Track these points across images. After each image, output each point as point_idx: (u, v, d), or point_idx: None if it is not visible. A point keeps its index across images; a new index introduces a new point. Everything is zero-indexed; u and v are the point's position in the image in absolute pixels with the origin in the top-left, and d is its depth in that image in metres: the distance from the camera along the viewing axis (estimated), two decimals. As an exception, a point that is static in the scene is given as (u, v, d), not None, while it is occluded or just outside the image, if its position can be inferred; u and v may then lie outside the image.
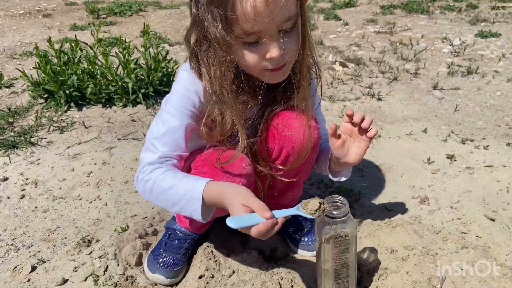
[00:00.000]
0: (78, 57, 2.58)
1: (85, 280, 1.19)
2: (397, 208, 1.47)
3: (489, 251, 1.23)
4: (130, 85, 2.38)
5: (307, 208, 0.89)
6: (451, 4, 5.15)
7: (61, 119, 2.25)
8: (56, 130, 2.14)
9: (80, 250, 1.30)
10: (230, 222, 0.83)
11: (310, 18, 4.70)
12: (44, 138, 2.06)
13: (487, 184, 1.57)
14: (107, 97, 2.43)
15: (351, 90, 2.63)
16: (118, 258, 1.22)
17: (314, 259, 1.21)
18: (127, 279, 1.17)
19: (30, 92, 2.53)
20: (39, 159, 1.87)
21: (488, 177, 1.62)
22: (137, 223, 1.39)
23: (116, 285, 1.15)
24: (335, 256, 1.01)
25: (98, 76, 2.46)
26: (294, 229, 1.34)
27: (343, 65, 3.06)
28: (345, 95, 2.54)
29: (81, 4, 5.84)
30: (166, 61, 2.60)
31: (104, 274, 1.19)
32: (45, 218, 1.50)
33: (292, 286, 1.17)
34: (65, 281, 1.20)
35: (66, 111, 2.35)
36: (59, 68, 2.41)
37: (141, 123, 2.22)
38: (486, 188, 1.55)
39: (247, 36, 0.89)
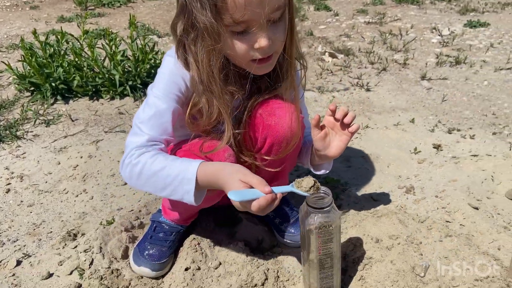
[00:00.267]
0: (64, 49, 2.55)
1: (71, 274, 1.19)
2: (383, 198, 1.48)
3: (472, 239, 1.25)
4: (117, 77, 2.36)
5: (302, 186, 0.91)
6: (441, -6, 5.15)
7: (47, 112, 2.23)
8: (42, 123, 2.11)
9: (66, 244, 1.29)
10: (232, 195, 0.84)
11: (300, 8, 4.68)
12: (30, 132, 2.04)
13: (472, 173, 1.59)
14: (94, 89, 2.40)
15: (340, 81, 2.63)
16: (104, 252, 1.22)
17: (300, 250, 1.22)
18: (112, 272, 1.17)
19: (16, 85, 2.50)
20: (24, 152, 1.86)
21: (473, 166, 1.63)
22: (123, 216, 1.38)
23: (102, 278, 1.15)
24: (319, 246, 1.02)
25: (85, 69, 2.43)
26: (281, 220, 1.34)
27: (332, 56, 3.05)
28: (334, 86, 2.54)
29: (69, -5, 5.76)
30: (154, 53, 2.58)
31: (90, 267, 1.18)
32: (31, 212, 1.48)
33: (278, 276, 1.18)
34: (50, 275, 1.20)
35: (52, 104, 2.32)
36: (44, 61, 2.38)
37: (129, 115, 2.21)
38: (471, 177, 1.57)
39: (236, 25, 0.89)
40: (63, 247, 1.28)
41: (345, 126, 1.10)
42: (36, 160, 1.79)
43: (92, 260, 1.20)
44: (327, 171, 1.25)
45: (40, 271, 1.21)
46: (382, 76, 2.68)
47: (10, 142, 1.93)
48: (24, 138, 1.97)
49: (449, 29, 3.59)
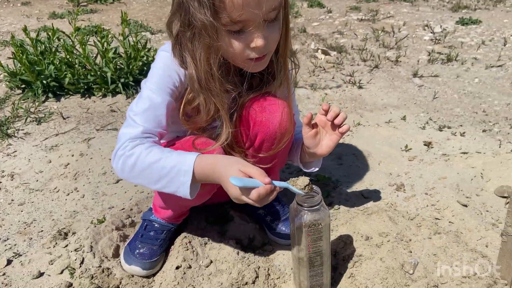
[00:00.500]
0: (56, 46, 2.53)
1: (61, 273, 1.19)
2: (374, 196, 1.49)
3: (461, 236, 1.26)
4: (109, 74, 2.35)
5: (297, 184, 0.93)
6: (434, -9, 5.17)
7: (39, 110, 2.21)
8: (33, 121, 2.10)
9: (56, 243, 1.29)
10: (234, 180, 0.84)
11: (293, 5, 4.68)
12: (21, 130, 2.03)
13: (461, 171, 1.60)
14: (85, 87, 2.39)
15: (333, 78, 2.64)
16: (94, 251, 1.22)
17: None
18: (103, 271, 1.17)
19: (7, 83, 2.48)
20: (15, 151, 1.85)
21: (463, 164, 1.64)
22: (114, 215, 1.38)
23: (92, 277, 1.15)
24: (308, 244, 1.03)
25: (76, 66, 2.42)
26: (272, 218, 1.35)
27: (325, 53, 3.06)
28: (326, 83, 2.54)
29: (61, -9, 5.72)
30: (146, 50, 2.57)
31: (80, 266, 1.18)
32: (22, 211, 1.48)
33: (269, 274, 1.18)
34: (41, 274, 1.19)
35: (43, 102, 2.31)
36: (35, 58, 2.36)
37: (121, 113, 2.20)
38: (460, 174, 1.58)
39: (233, 25, 0.90)
40: (54, 246, 1.28)
41: (335, 126, 1.11)
42: (27, 159, 1.78)
43: (83, 259, 1.20)
44: (317, 169, 1.25)
45: (31, 270, 1.20)
46: (374, 74, 2.69)
47: (0, 141, 1.92)
48: (15, 136, 1.96)
49: (441, 26, 3.61)
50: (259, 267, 1.19)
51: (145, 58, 2.53)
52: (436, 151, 1.77)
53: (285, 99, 1.14)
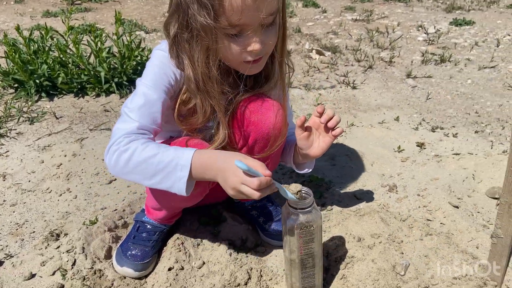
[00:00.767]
0: (49, 45, 2.51)
1: (53, 274, 1.18)
2: (366, 197, 1.50)
3: (452, 237, 1.27)
4: (102, 74, 2.34)
5: (290, 188, 0.96)
6: (428, -8, 5.20)
7: (31, 110, 2.20)
8: (26, 121, 2.09)
9: (48, 244, 1.28)
10: (239, 163, 0.85)
11: (288, 5, 4.68)
12: (14, 130, 2.01)
13: (453, 172, 1.61)
14: (79, 86, 2.38)
15: (327, 78, 2.64)
16: (86, 252, 1.22)
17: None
18: (95, 273, 1.17)
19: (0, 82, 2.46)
20: (7, 151, 1.83)
21: (455, 165, 1.65)
22: (107, 216, 1.38)
23: (84, 279, 1.15)
24: (300, 246, 1.03)
25: (70, 65, 2.40)
26: (265, 219, 1.35)
27: (319, 53, 3.06)
28: (320, 84, 2.55)
29: (55, -11, 5.68)
30: (140, 50, 2.56)
31: (72, 268, 1.18)
32: (13, 211, 1.47)
33: (261, 276, 1.19)
34: (32, 276, 1.19)
35: (36, 101, 2.30)
36: (28, 57, 2.35)
37: (114, 113, 2.19)
38: (452, 175, 1.59)
39: (231, 28, 0.91)
40: (46, 247, 1.28)
41: (328, 129, 1.12)
42: (19, 159, 1.77)
43: (75, 260, 1.20)
44: (310, 170, 1.26)
45: (22, 272, 1.20)
46: (368, 74, 2.70)
47: (-8, 140, 1.91)
48: (7, 136, 1.95)
49: (435, 27, 3.63)
50: (252, 268, 1.19)
51: (139, 57, 2.53)
52: (428, 152, 1.78)
53: (279, 100, 1.14)
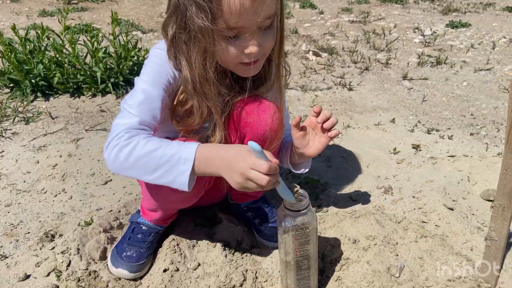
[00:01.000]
0: (45, 45, 2.51)
1: (48, 275, 1.18)
2: (362, 198, 1.50)
3: (446, 240, 1.27)
4: (98, 74, 2.33)
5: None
6: (425, -6, 5.22)
7: (27, 110, 2.19)
8: (21, 121, 2.08)
9: (43, 245, 1.28)
10: (253, 144, 0.84)
11: (286, 6, 4.69)
12: (9, 130, 2.01)
13: (449, 174, 1.62)
14: (75, 86, 2.38)
15: (324, 79, 2.65)
16: (81, 253, 1.21)
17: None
18: (90, 274, 1.16)
19: (-5, 82, 2.45)
20: (3, 151, 1.83)
21: (450, 167, 1.66)
22: (102, 217, 1.37)
23: (79, 280, 1.14)
24: (296, 248, 1.03)
25: (66, 65, 2.40)
26: (260, 221, 1.35)
27: (316, 54, 3.07)
28: (317, 85, 2.55)
29: (51, -11, 5.66)
30: (137, 50, 2.56)
31: (67, 269, 1.18)
32: (8, 212, 1.47)
33: (257, 277, 1.19)
34: (27, 277, 1.18)
35: (32, 101, 2.29)
36: (24, 57, 2.34)
37: (110, 113, 2.19)
38: (447, 177, 1.60)
39: (229, 31, 0.91)
40: (41, 248, 1.27)
41: (325, 129, 1.12)
42: (15, 159, 1.76)
43: (70, 261, 1.20)
44: (306, 170, 1.25)
45: (17, 273, 1.19)
46: (365, 76, 2.71)
47: (-13, 140, 1.90)
48: (3, 136, 1.94)
49: (431, 29, 3.64)
50: (247, 270, 1.19)
51: (135, 58, 2.52)
52: (424, 154, 1.79)
53: (275, 102, 1.14)
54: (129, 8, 4.69)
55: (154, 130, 1.01)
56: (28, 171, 1.68)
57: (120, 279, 1.17)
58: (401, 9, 4.49)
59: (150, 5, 4.86)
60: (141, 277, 1.18)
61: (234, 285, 1.14)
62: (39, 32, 2.53)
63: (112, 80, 2.39)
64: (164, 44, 1.04)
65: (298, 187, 0.98)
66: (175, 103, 1.06)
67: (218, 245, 1.25)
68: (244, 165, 0.85)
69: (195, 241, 1.28)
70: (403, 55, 3.07)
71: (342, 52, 3.15)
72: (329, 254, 1.24)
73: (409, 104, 2.31)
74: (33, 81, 2.30)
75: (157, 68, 1.03)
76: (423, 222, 1.36)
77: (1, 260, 1.25)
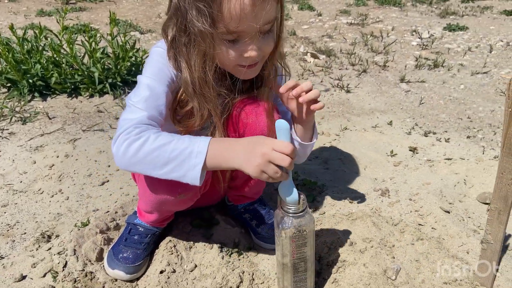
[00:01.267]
0: (43, 45, 2.50)
1: (44, 276, 1.17)
2: (359, 201, 1.51)
3: (442, 242, 1.28)
4: (96, 74, 2.33)
5: None
6: (423, -4, 5.24)
7: (24, 110, 2.19)
8: (18, 120, 2.08)
9: (39, 246, 1.28)
10: (282, 122, 0.86)
11: (284, 7, 4.70)
12: (6, 129, 2.00)
13: (445, 177, 1.63)
14: (72, 86, 2.37)
15: (321, 82, 2.66)
16: (78, 254, 1.21)
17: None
18: (86, 275, 1.16)
19: (-8, 81, 2.44)
20: (-1, 151, 1.82)
21: (447, 170, 1.67)
22: (99, 218, 1.37)
23: (75, 281, 1.14)
24: (293, 250, 1.03)
25: (63, 65, 2.39)
26: (257, 222, 1.35)
27: (314, 56, 3.08)
28: (315, 87, 2.55)
29: (49, -12, 5.65)
30: (135, 50, 2.56)
31: (63, 270, 1.17)
32: (5, 212, 1.46)
33: (253, 279, 1.19)
34: (23, 277, 1.18)
35: (29, 101, 2.29)
36: (22, 57, 2.33)
37: (108, 114, 2.18)
38: (444, 180, 1.60)
39: (229, 34, 0.92)
40: (37, 249, 1.27)
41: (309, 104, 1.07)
42: (11, 159, 1.76)
43: (66, 262, 1.19)
44: (315, 140, 1.20)
45: (13, 273, 1.19)
46: (362, 78, 2.71)
47: (-16, 140, 1.90)
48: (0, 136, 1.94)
49: (428, 32, 3.65)
50: (244, 271, 1.19)
51: (133, 58, 2.52)
52: (421, 157, 1.80)
53: (274, 103, 1.14)
54: (127, 8, 4.69)
55: (161, 126, 1.00)
56: (25, 171, 1.68)
57: (116, 280, 1.17)
58: (399, 11, 4.50)
59: (149, 5, 4.86)
60: (137, 279, 1.18)
61: (231, 287, 1.14)
62: (37, 32, 2.53)
63: (109, 80, 2.39)
64: (164, 43, 1.04)
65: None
66: (176, 103, 1.06)
67: (215, 246, 1.25)
68: (266, 147, 0.85)
69: (192, 242, 1.27)
70: (401, 58, 3.08)
71: (340, 54, 3.15)
72: (326, 256, 1.24)
73: (406, 106, 2.32)
74: (30, 81, 2.30)
75: (160, 66, 1.03)
76: (420, 224, 1.37)
77: (-3, 260, 1.24)
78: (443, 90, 2.51)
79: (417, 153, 1.83)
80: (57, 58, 2.40)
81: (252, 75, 1.05)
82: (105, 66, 2.42)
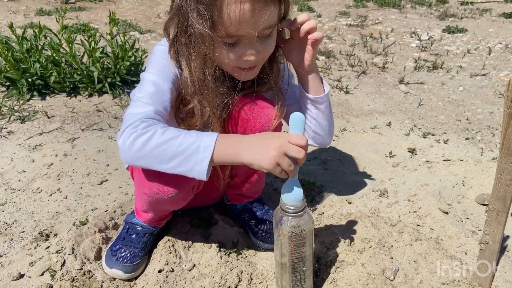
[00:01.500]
0: (42, 44, 2.50)
1: (42, 275, 1.17)
2: (357, 201, 1.51)
3: (441, 243, 1.28)
4: (95, 74, 2.33)
5: None
6: (422, -1, 5.25)
7: (23, 108, 2.19)
8: (17, 119, 2.07)
9: (38, 245, 1.27)
10: (298, 113, 0.87)
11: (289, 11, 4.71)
12: (4, 128, 2.00)
13: (444, 178, 1.63)
14: (71, 86, 2.37)
15: (320, 82, 2.65)
16: (76, 253, 1.21)
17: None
18: (84, 274, 1.16)
19: (-9, 80, 2.44)
20: (-2, 150, 1.82)
21: (445, 171, 1.67)
22: (97, 217, 1.37)
23: (73, 280, 1.14)
24: (291, 250, 1.03)
25: (63, 64, 2.39)
26: (256, 222, 1.35)
27: (313, 57, 3.08)
28: (314, 88, 2.56)
29: (49, -12, 5.65)
30: (134, 50, 2.56)
31: (61, 268, 1.17)
32: (3, 211, 1.46)
33: (252, 279, 1.19)
34: (21, 276, 1.18)
35: (28, 100, 2.28)
36: (21, 56, 2.33)
37: (107, 113, 2.18)
38: (442, 181, 1.60)
39: (228, 38, 0.93)
40: (35, 248, 1.27)
41: (304, 37, 1.05)
42: (10, 158, 1.75)
43: (64, 261, 1.19)
44: (328, 90, 1.17)
45: (11, 272, 1.19)
46: (362, 79, 2.72)
47: (-17, 139, 1.89)
48: (-2, 135, 1.93)
49: (428, 34, 3.66)
50: (242, 271, 1.19)
51: (133, 58, 2.52)
52: (419, 158, 1.80)
53: (274, 101, 1.15)
54: (127, 8, 4.69)
55: (166, 121, 1.00)
56: (24, 170, 1.68)
57: (114, 279, 1.16)
58: (398, 13, 4.51)
59: (148, 5, 4.86)
60: (136, 278, 1.18)
61: (229, 286, 1.14)
62: (36, 31, 2.53)
63: (109, 80, 2.39)
64: (166, 42, 1.05)
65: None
66: (179, 101, 1.06)
67: (214, 246, 1.25)
68: (280, 139, 0.86)
69: (190, 242, 1.27)
70: (400, 60, 3.08)
71: (339, 55, 3.16)
72: (324, 256, 1.24)
73: (405, 108, 2.32)
74: (29, 80, 2.30)
75: (164, 63, 1.03)
76: (418, 225, 1.37)
77: (-5, 259, 1.24)
78: (442, 92, 2.52)
79: (415, 154, 1.83)
80: (57, 57, 2.40)
81: (251, 77, 1.05)
82: (104, 66, 2.42)
